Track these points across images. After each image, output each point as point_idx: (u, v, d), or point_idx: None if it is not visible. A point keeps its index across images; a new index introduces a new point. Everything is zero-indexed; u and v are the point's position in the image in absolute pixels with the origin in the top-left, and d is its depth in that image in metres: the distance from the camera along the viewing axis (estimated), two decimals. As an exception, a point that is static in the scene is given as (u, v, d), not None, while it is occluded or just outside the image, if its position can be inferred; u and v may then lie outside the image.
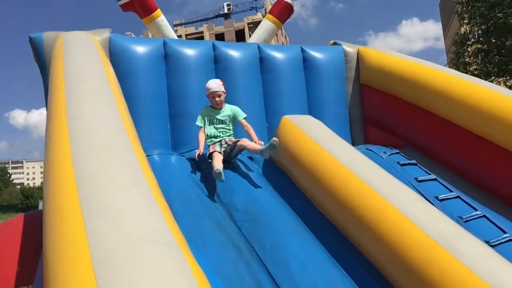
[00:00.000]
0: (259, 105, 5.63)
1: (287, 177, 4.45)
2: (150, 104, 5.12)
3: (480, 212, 4.16)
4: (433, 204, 4.08)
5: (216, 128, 4.55)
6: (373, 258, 3.27)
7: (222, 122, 4.58)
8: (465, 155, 5.01)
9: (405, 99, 5.58)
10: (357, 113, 6.15)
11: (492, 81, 20.74)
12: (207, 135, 4.57)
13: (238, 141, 4.42)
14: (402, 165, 4.81)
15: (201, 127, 4.60)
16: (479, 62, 24.13)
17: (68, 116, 2.98)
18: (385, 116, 5.94)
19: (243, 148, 4.47)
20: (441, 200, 4.29)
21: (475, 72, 23.18)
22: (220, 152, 4.36)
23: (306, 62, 5.97)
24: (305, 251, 3.40)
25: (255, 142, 4.38)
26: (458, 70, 20.93)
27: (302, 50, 6.02)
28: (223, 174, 3.97)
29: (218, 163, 4.14)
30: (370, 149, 5.12)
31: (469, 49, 24.71)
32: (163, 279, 1.72)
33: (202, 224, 3.68)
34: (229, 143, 4.47)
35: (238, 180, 4.32)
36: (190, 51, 5.46)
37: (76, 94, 3.32)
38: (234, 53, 5.63)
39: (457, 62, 24.94)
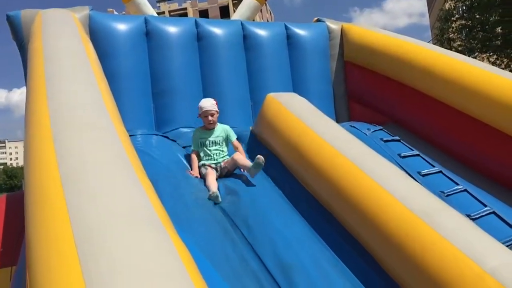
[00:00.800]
0: (243, 83, 5.60)
1: (272, 155, 4.46)
2: (133, 83, 5.05)
3: (462, 187, 4.23)
4: (415, 179, 4.13)
5: (210, 150, 4.34)
6: (356, 233, 3.31)
7: (215, 143, 4.39)
8: (447, 131, 5.06)
9: (388, 76, 5.59)
10: (341, 90, 6.16)
11: (475, 57, 20.84)
12: (202, 157, 4.34)
13: (230, 160, 4.28)
14: (385, 141, 4.86)
15: (194, 150, 4.38)
16: (463, 38, 24.22)
17: (48, 95, 2.93)
18: (369, 93, 5.95)
19: (236, 167, 4.28)
20: (423, 175, 4.35)
21: (459, 48, 23.27)
22: (215, 170, 4.21)
23: (290, 39, 5.93)
24: (290, 229, 3.41)
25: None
26: (442, 46, 20.97)
27: (286, 27, 5.97)
28: (220, 197, 3.77)
29: (213, 183, 3.94)
30: (354, 126, 5.15)
31: (453, 25, 24.74)
32: (146, 255, 1.71)
33: (187, 203, 3.67)
34: (223, 166, 4.27)
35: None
36: (172, 29, 5.38)
37: (55, 73, 3.26)
38: (217, 30, 5.56)
39: (441, 38, 25.01)
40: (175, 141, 4.73)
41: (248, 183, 4.02)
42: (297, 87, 5.78)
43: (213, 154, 4.32)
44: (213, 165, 4.24)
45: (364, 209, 3.20)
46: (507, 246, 3.40)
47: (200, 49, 5.45)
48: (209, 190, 3.84)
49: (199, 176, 4.18)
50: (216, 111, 4.45)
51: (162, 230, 1.92)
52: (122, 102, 4.72)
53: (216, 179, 4.10)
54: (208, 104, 4.42)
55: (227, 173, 4.28)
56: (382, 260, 3.06)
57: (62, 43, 3.87)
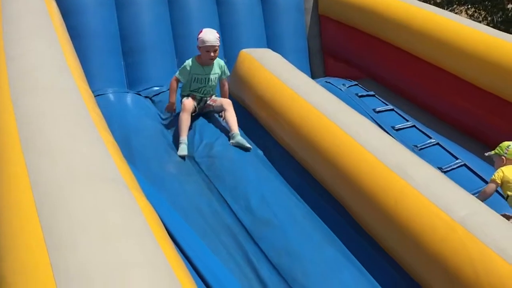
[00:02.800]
0: (216, 40, 5.46)
1: (247, 112, 4.41)
2: (101, 41, 4.89)
3: (434, 140, 4.28)
4: (389, 134, 4.15)
5: (204, 88, 4.09)
6: (331, 187, 3.33)
7: (210, 81, 4.10)
8: (422, 85, 5.06)
9: (363, 30, 5.52)
10: (316, 45, 6.07)
11: (453, 9, 20.74)
12: (189, 90, 4.10)
13: (219, 104, 4.12)
14: (360, 96, 4.85)
15: (178, 78, 4.05)
16: (442, -10, 24.08)
17: (7, 57, 2.85)
18: (344, 48, 5.88)
19: (219, 112, 4.14)
20: (397, 130, 4.39)
21: (438, 0, 23.15)
22: (194, 107, 4.03)
23: (263, -8, 5.77)
24: (265, 185, 3.42)
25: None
26: None
27: (259, -20, 5.79)
28: (186, 149, 3.69)
29: (185, 126, 3.81)
30: (329, 82, 5.11)
31: (432, -23, 24.49)
32: (108, 214, 1.68)
33: (161, 159, 3.66)
34: (209, 102, 4.12)
35: (198, 115, 4.24)
36: (141, -17, 5.16)
37: (14, 33, 3.15)
38: (187, -16, 5.37)
39: (421, -9, 24.83)
40: (148, 97, 4.64)
41: (224, 137, 3.97)
42: (271, 42, 5.67)
43: (204, 92, 4.11)
44: (198, 97, 4.08)
45: (338, 163, 3.20)
46: (476, 196, 3.48)
47: (170, 4, 5.27)
48: (179, 136, 3.80)
49: (175, 110, 4.09)
50: (218, 45, 4.04)
51: (125, 190, 1.88)
52: (91, 61, 4.64)
53: (193, 113, 3.99)
54: (213, 37, 3.94)
55: (207, 111, 4.14)
56: (356, 213, 3.10)
57: (21, 1, 3.70)
